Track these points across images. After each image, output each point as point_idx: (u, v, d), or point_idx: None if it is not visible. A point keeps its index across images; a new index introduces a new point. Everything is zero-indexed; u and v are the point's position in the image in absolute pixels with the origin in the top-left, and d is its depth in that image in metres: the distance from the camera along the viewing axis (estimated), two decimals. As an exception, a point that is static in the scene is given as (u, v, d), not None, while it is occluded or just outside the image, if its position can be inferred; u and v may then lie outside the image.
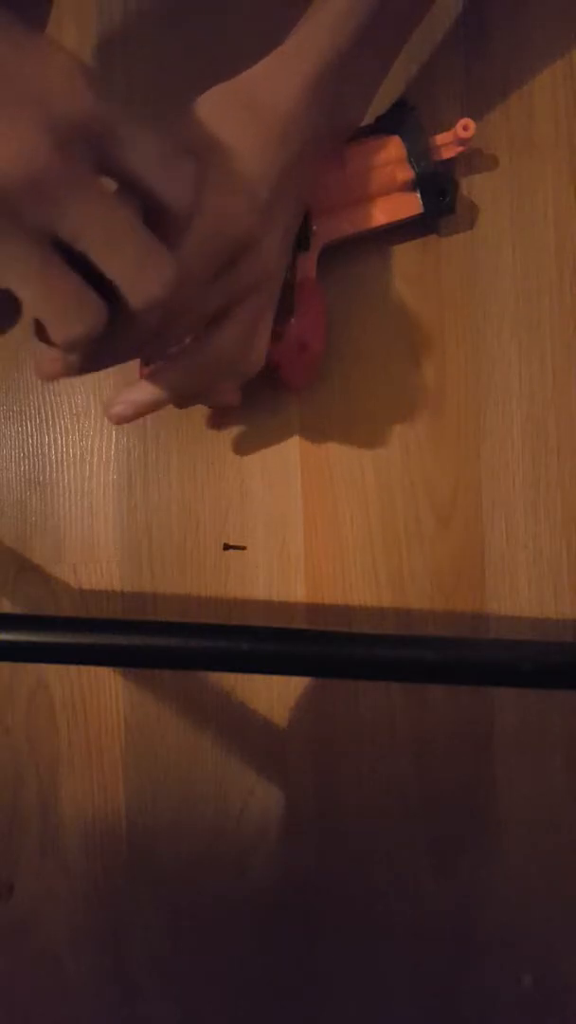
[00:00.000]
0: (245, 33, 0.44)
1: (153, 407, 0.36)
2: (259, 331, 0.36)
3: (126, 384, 0.36)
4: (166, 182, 0.27)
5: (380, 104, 0.40)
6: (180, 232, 0.29)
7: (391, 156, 0.39)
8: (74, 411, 0.45)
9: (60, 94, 0.24)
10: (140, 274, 0.26)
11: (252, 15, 0.44)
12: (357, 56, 0.35)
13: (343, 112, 0.37)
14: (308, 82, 0.34)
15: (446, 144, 0.40)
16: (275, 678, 0.44)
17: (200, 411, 0.44)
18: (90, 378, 0.44)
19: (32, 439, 0.45)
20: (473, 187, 0.43)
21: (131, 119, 0.26)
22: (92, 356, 0.31)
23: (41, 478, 0.45)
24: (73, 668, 0.45)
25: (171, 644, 0.36)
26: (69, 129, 0.24)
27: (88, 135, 0.24)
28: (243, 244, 0.32)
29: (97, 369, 0.32)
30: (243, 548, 0.44)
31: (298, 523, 0.44)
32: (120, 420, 0.36)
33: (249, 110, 0.33)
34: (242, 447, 0.44)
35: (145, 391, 0.35)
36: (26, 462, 0.45)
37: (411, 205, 0.41)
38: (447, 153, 0.40)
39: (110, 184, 0.26)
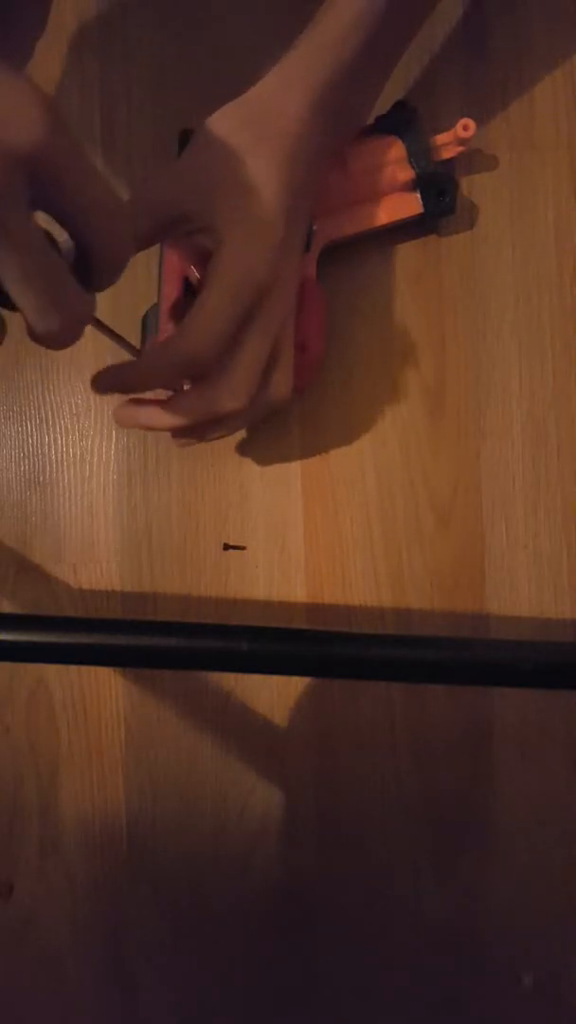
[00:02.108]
0: (244, 31, 0.44)
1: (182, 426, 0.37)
2: (290, 360, 0.37)
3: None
4: (103, 237, 0.26)
5: (380, 104, 0.40)
6: (105, 274, 0.27)
7: (391, 156, 0.39)
8: (74, 411, 0.45)
9: (13, 124, 0.22)
10: (41, 316, 0.26)
11: (251, 14, 0.44)
12: (362, 67, 0.35)
13: (347, 120, 0.37)
14: (314, 98, 0.34)
15: (446, 144, 0.40)
16: (275, 678, 0.44)
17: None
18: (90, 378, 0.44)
19: (32, 439, 0.45)
20: (473, 187, 0.43)
21: (84, 162, 0.24)
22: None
23: (41, 478, 0.45)
24: (73, 668, 0.45)
25: (171, 644, 0.36)
26: (13, 161, 0.22)
27: (34, 169, 0.23)
28: (265, 288, 0.33)
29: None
30: (243, 548, 0.44)
31: (298, 523, 0.44)
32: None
33: (256, 136, 0.33)
34: (242, 448, 0.44)
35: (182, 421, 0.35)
36: (26, 462, 0.45)
37: (411, 205, 0.41)
38: (447, 153, 0.40)
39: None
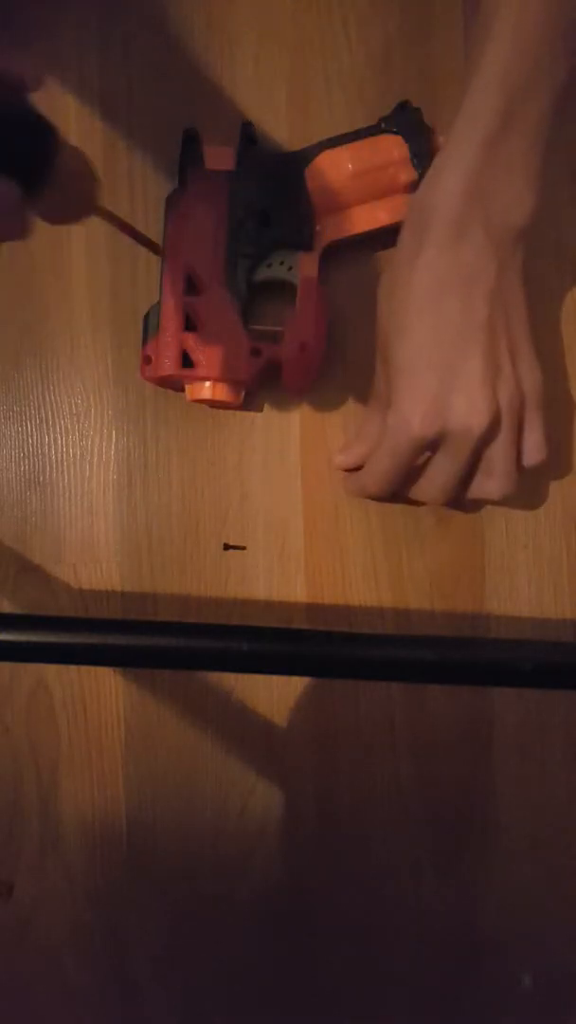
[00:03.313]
0: (244, 31, 0.44)
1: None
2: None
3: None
4: None
5: (383, 105, 0.40)
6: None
7: (394, 157, 0.39)
8: (74, 411, 0.45)
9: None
10: None
11: (251, 14, 0.44)
12: (504, 142, 0.33)
13: (508, 206, 0.35)
14: (461, 193, 0.34)
15: (447, 145, 0.40)
16: (275, 678, 0.44)
17: (200, 409, 0.44)
18: (90, 378, 0.44)
19: (32, 439, 0.45)
20: (473, 187, 0.43)
21: None
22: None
23: (41, 478, 0.45)
24: (73, 668, 0.45)
25: (171, 644, 0.36)
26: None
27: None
28: (424, 440, 0.35)
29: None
30: (243, 548, 0.44)
31: (298, 523, 0.44)
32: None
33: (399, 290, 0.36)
34: (242, 448, 0.44)
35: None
36: (26, 462, 0.45)
37: (412, 206, 0.41)
38: (448, 154, 0.40)
39: None
